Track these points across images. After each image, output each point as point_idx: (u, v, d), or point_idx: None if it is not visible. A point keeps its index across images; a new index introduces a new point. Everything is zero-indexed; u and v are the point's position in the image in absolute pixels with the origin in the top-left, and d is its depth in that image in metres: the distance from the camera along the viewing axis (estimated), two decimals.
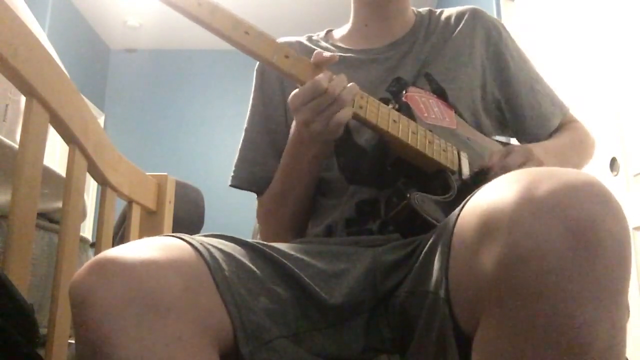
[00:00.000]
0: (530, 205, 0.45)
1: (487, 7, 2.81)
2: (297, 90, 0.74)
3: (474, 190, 0.58)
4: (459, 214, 0.56)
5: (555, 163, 0.86)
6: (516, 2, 2.72)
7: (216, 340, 0.56)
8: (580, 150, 1.00)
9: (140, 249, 0.56)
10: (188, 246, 0.60)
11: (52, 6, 3.89)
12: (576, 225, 0.44)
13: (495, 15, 2.71)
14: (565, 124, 1.03)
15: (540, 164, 0.82)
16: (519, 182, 0.48)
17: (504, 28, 1.03)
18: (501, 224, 0.46)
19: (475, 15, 1.01)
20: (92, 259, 0.55)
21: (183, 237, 0.62)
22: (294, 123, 0.83)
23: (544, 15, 2.44)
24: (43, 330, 0.77)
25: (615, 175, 1.82)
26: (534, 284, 0.44)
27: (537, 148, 0.86)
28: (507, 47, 1.00)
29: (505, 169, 0.80)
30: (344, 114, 0.73)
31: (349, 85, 0.74)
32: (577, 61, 2.10)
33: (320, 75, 0.73)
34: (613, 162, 1.83)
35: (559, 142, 0.97)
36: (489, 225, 0.48)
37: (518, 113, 0.99)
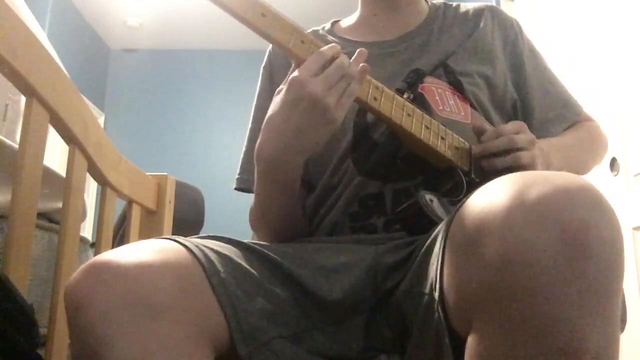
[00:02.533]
0: (522, 209, 0.45)
1: None
2: (301, 66, 0.70)
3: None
4: (453, 217, 0.56)
5: (559, 158, 0.85)
6: (516, 2, 2.72)
7: (212, 342, 0.56)
8: (589, 149, 0.98)
9: (135, 252, 0.56)
10: (183, 248, 0.60)
11: (52, 6, 3.90)
12: (568, 230, 0.43)
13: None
14: (579, 122, 1.01)
15: (542, 157, 0.80)
16: (511, 185, 0.48)
17: (520, 26, 1.01)
18: (493, 227, 0.46)
19: (494, 13, 0.99)
20: (87, 262, 0.55)
21: (178, 239, 0.62)
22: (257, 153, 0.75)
23: (544, 15, 2.44)
24: (43, 330, 0.77)
25: (615, 175, 1.82)
26: (526, 288, 0.43)
27: (541, 142, 0.84)
28: (523, 47, 0.98)
29: (497, 134, 0.79)
30: (354, 88, 0.70)
31: (360, 65, 0.72)
32: (577, 61, 2.10)
33: (325, 48, 0.71)
34: (613, 162, 1.83)
35: (566, 139, 0.96)
36: (482, 229, 0.48)
37: (529, 116, 0.97)
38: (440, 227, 0.61)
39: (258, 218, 0.86)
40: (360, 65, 0.72)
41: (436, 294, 0.56)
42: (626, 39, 1.81)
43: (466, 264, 0.50)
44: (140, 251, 0.56)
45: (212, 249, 0.62)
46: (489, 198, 0.49)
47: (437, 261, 0.57)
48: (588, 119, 1.03)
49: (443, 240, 0.57)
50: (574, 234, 0.43)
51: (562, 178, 0.47)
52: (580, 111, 1.02)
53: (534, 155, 0.77)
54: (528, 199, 0.45)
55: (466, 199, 0.54)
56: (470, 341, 0.50)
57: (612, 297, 0.44)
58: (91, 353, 0.49)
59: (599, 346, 0.43)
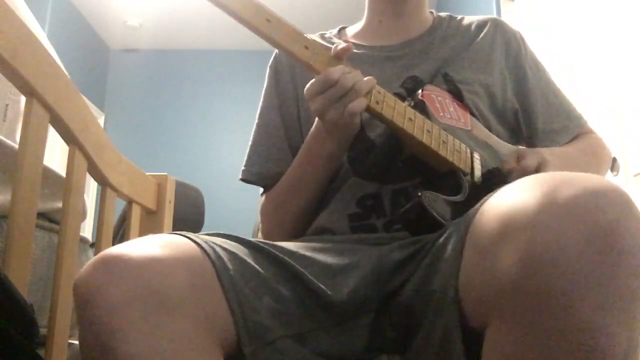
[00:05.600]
0: (552, 210, 0.45)
1: (487, 7, 2.81)
2: (312, 80, 0.75)
3: (484, 192, 0.58)
4: (475, 215, 0.56)
5: (562, 168, 0.86)
6: (516, 2, 2.72)
7: (220, 339, 0.56)
8: (591, 161, 0.99)
9: (145, 246, 0.56)
10: (193, 244, 0.60)
11: (52, 6, 3.90)
12: (598, 231, 0.43)
13: (495, 15, 2.71)
14: (581, 134, 1.02)
15: (553, 167, 0.82)
16: (540, 185, 0.48)
17: (523, 39, 1.03)
18: (522, 226, 0.46)
19: (497, 26, 1.01)
20: (97, 256, 0.54)
21: (187, 235, 0.62)
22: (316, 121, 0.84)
23: (544, 15, 2.44)
24: (43, 330, 0.77)
25: (615, 175, 1.81)
26: (554, 287, 0.43)
27: (545, 151, 0.86)
28: (526, 59, 1.00)
29: (523, 173, 0.78)
30: (357, 105, 0.73)
31: (365, 78, 0.75)
32: (577, 61, 2.10)
33: (335, 68, 0.74)
34: (613, 162, 1.83)
35: (570, 149, 0.97)
36: (510, 227, 0.48)
37: (532, 126, 0.98)
38: (455, 227, 0.61)
39: (285, 195, 0.91)
40: (367, 78, 0.75)
41: (450, 291, 0.56)
42: (626, 38, 1.81)
43: (491, 261, 0.49)
44: (150, 245, 0.56)
45: (221, 246, 0.63)
46: (515, 197, 0.49)
47: (454, 258, 0.57)
48: (591, 132, 1.04)
49: (461, 238, 0.57)
50: (603, 236, 0.43)
51: (590, 180, 0.47)
52: (583, 123, 1.03)
53: None
54: (558, 199, 0.46)
55: (488, 197, 0.55)
56: (490, 339, 0.50)
57: (638, 299, 0.44)
58: (101, 347, 0.49)
59: (624, 347, 0.43)
